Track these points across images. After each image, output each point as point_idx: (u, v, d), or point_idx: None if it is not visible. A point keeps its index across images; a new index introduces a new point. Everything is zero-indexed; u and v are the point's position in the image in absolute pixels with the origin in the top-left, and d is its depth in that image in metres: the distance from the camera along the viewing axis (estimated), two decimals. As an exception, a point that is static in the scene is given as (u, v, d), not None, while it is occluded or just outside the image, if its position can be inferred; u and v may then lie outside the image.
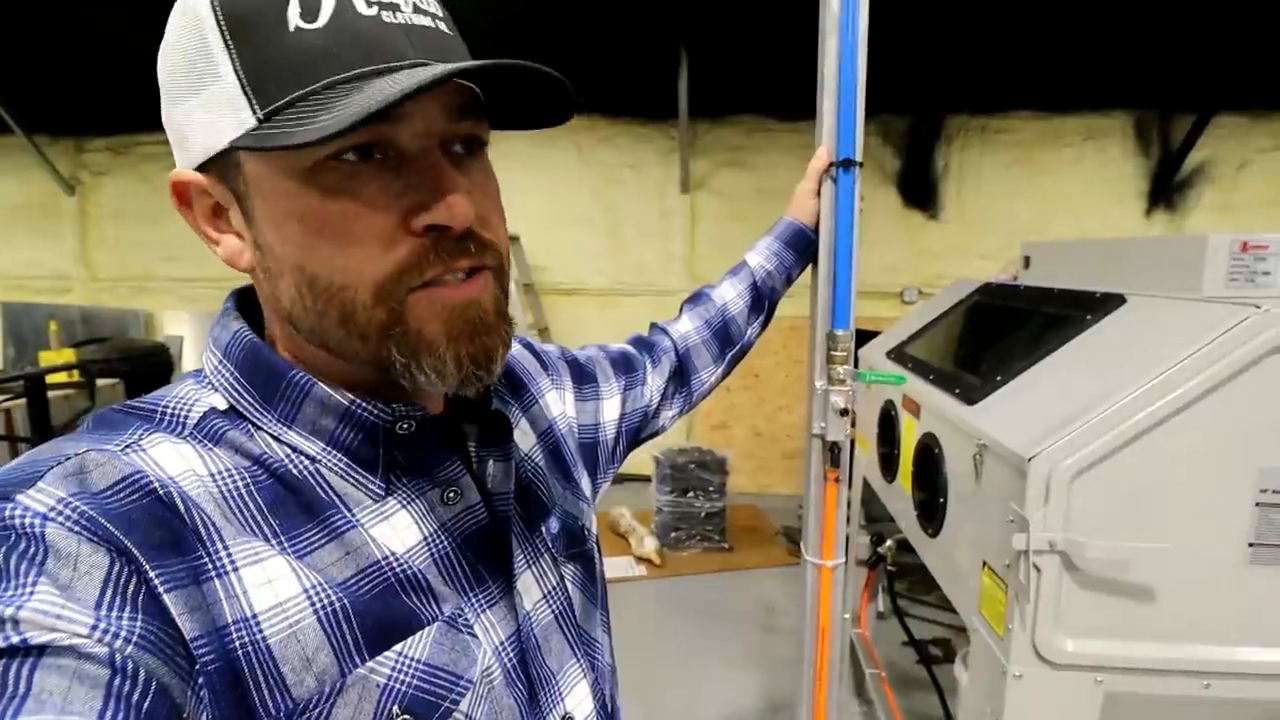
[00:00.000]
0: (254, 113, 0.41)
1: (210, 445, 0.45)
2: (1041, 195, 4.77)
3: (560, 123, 0.50)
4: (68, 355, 4.41)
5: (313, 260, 0.44)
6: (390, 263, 0.44)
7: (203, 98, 0.43)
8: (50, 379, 3.70)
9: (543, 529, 0.60)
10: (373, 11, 0.42)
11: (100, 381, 4.19)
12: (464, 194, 0.44)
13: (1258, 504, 1.07)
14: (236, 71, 0.41)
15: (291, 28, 0.41)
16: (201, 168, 0.45)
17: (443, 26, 0.45)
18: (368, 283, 0.44)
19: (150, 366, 4.67)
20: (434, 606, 0.48)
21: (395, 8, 0.42)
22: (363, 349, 0.46)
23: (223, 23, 0.41)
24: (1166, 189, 4.66)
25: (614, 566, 3.71)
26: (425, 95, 0.40)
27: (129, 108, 5.02)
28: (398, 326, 0.45)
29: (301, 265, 0.44)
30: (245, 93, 0.41)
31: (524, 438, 0.64)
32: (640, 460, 3.67)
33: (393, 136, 0.43)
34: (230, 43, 0.41)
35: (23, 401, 3.52)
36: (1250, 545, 1.07)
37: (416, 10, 0.44)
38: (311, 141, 0.38)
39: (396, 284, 0.44)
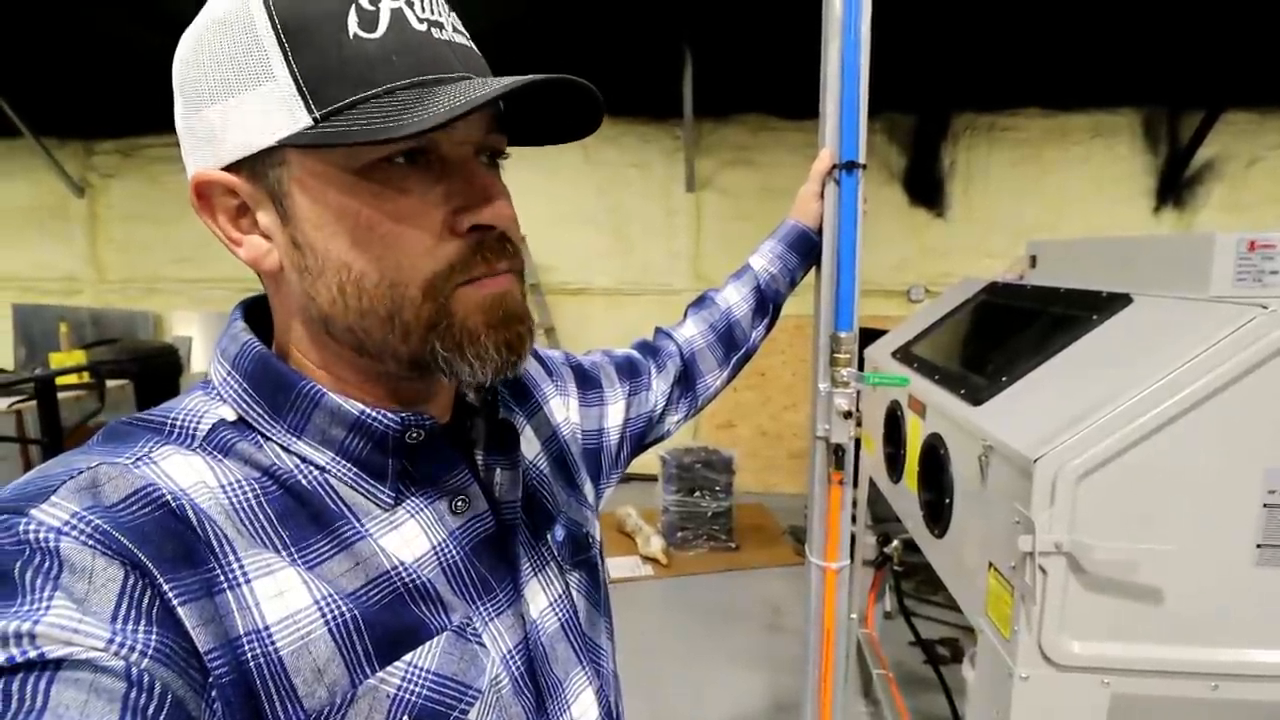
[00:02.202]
0: (310, 112, 0.42)
1: (220, 457, 0.46)
2: (1048, 193, 4.75)
3: (580, 138, 0.52)
4: (78, 357, 4.43)
5: (362, 258, 0.45)
6: (441, 261, 0.46)
7: (249, 97, 0.44)
8: (60, 380, 3.72)
9: (548, 537, 0.60)
10: (423, 28, 0.45)
11: (110, 383, 4.21)
12: (506, 198, 0.48)
13: (1265, 505, 1.06)
14: (293, 73, 0.42)
15: (351, 35, 0.43)
16: (230, 168, 0.46)
17: (474, 47, 0.49)
18: (419, 280, 0.46)
19: (160, 367, 4.69)
20: (443, 616, 0.48)
21: (441, 26, 0.46)
22: (403, 346, 0.47)
23: (279, 26, 0.43)
24: (1175, 187, 4.63)
25: (620, 566, 3.72)
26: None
27: (138, 110, 5.06)
28: (443, 321, 0.47)
29: (349, 263, 0.45)
30: (301, 93, 0.42)
31: (529, 445, 0.65)
32: (647, 460, 3.67)
33: (437, 143, 0.46)
34: (286, 45, 0.43)
35: (33, 403, 3.55)
36: (1258, 546, 1.07)
37: (456, 30, 0.47)
38: (396, 137, 0.40)
39: (446, 281, 0.47)
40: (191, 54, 0.46)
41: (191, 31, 0.46)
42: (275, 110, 0.43)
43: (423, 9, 0.45)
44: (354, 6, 0.43)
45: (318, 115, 0.42)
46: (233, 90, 0.44)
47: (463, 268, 0.47)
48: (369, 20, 0.43)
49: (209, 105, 0.45)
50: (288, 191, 0.45)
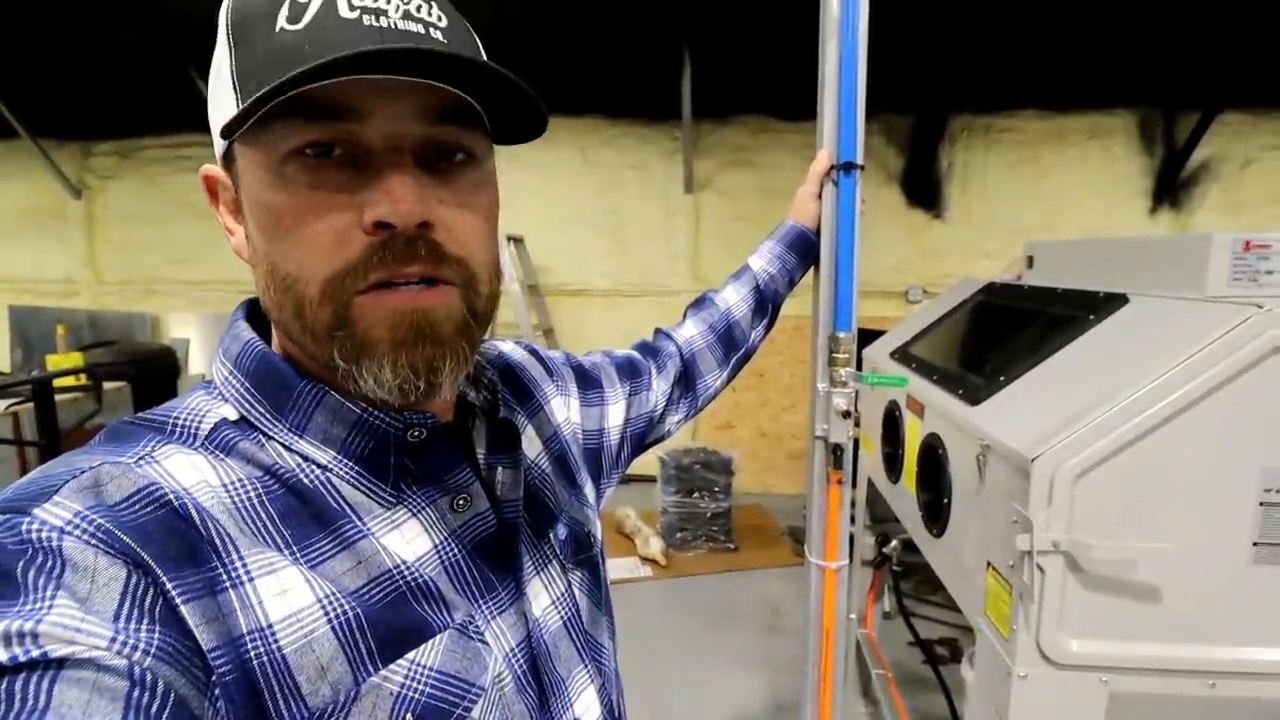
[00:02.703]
0: (238, 104, 0.43)
1: (222, 456, 0.46)
2: (1046, 194, 4.76)
3: (531, 138, 0.50)
4: (75, 359, 4.42)
5: (275, 251, 0.45)
6: (339, 261, 0.43)
7: (215, 95, 0.47)
8: (57, 382, 3.71)
9: (550, 535, 0.60)
10: (354, 15, 0.42)
11: (107, 385, 4.20)
12: (411, 191, 0.43)
13: (1262, 503, 1.07)
14: (232, 70, 0.44)
15: (277, 29, 0.43)
16: (224, 163, 0.49)
17: (435, 34, 0.45)
18: (317, 279, 0.44)
19: (157, 369, 4.68)
20: (445, 614, 0.48)
21: (380, 13, 0.43)
22: (315, 347, 0.46)
23: (230, 26, 0.45)
24: (1171, 187, 4.64)
25: (620, 567, 3.71)
26: (391, 94, 0.42)
27: (135, 111, 5.06)
28: (342, 329, 0.44)
29: (268, 255, 0.46)
30: (234, 89, 0.44)
31: (530, 444, 0.65)
32: (646, 461, 3.66)
33: (357, 134, 0.43)
34: (232, 45, 0.45)
35: (30, 405, 3.54)
36: (1255, 545, 1.07)
37: (406, 17, 0.44)
38: (232, 118, 0.40)
39: (341, 285, 0.44)
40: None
41: None
42: (225, 106, 0.45)
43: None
44: (286, 3, 0.43)
45: (241, 107, 0.42)
46: (214, 90, 0.47)
47: (361, 270, 0.43)
48: (297, 13, 0.42)
49: (211, 104, 0.48)
50: (239, 184, 0.47)
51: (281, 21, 0.42)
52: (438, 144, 0.46)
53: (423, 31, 0.44)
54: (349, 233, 0.43)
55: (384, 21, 0.43)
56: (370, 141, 0.43)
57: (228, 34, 0.45)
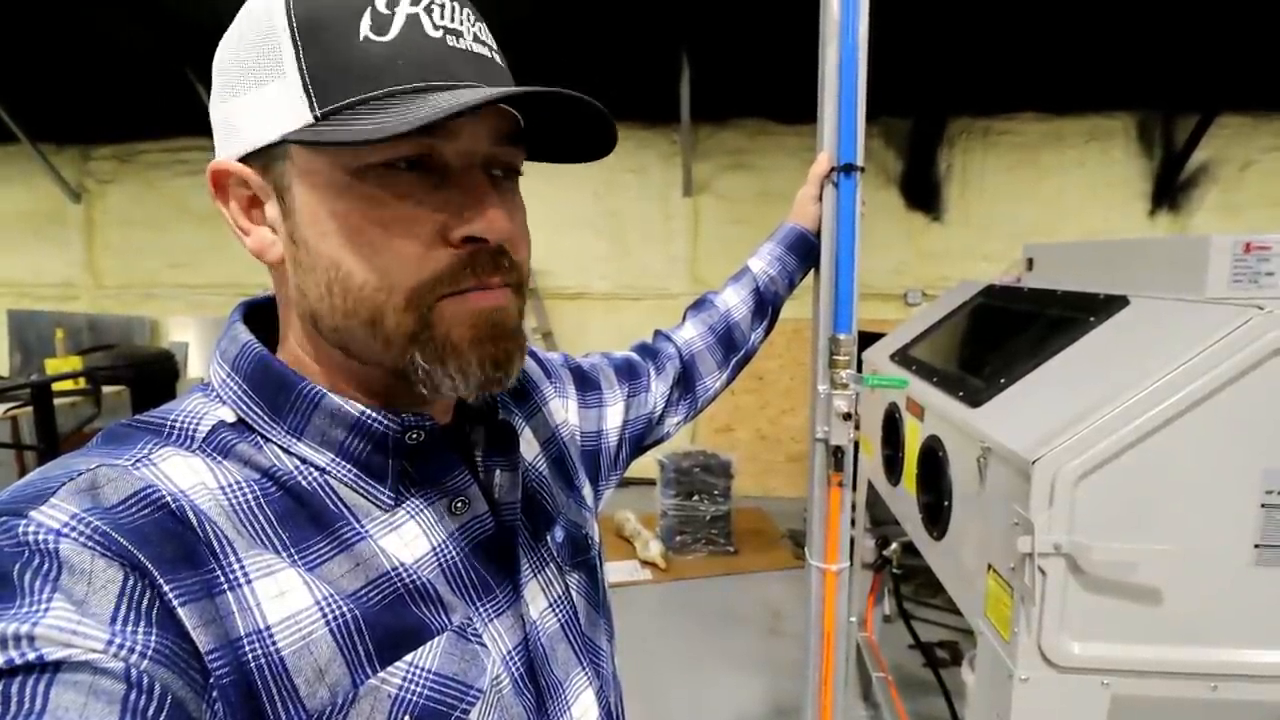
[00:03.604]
0: (312, 110, 0.43)
1: (220, 458, 0.45)
2: (1044, 197, 4.76)
3: (598, 157, 0.52)
4: (74, 363, 4.42)
5: (349, 259, 0.45)
6: (427, 271, 0.45)
7: (263, 91, 0.45)
8: (56, 386, 3.71)
9: (548, 538, 0.60)
10: (439, 35, 0.44)
11: (106, 389, 4.20)
12: (501, 210, 0.46)
13: (1263, 505, 1.06)
14: (301, 70, 0.43)
15: (361, 37, 0.43)
16: (246, 159, 0.47)
17: (497, 59, 0.48)
18: (402, 288, 0.45)
19: (156, 373, 4.68)
20: (443, 616, 0.48)
21: (459, 35, 0.45)
22: (384, 353, 0.47)
23: (295, 24, 0.43)
24: (1170, 190, 4.65)
25: (619, 570, 3.71)
26: (476, 116, 0.44)
27: (134, 115, 5.06)
28: (425, 332, 0.46)
29: (338, 263, 0.45)
30: (307, 91, 0.43)
31: (528, 446, 0.65)
32: (645, 464, 3.65)
33: (440, 151, 0.45)
34: (299, 43, 0.43)
35: (29, 409, 3.54)
36: (1256, 547, 1.07)
37: (476, 40, 0.47)
38: (374, 140, 0.40)
39: (430, 292, 0.46)
40: (224, 46, 0.47)
41: (232, 26, 0.47)
42: (284, 106, 0.44)
43: (441, 16, 0.45)
44: (369, 9, 0.43)
45: (319, 113, 0.43)
46: (250, 84, 0.45)
47: (450, 279, 0.46)
48: (382, 24, 0.43)
49: (234, 97, 0.46)
50: (289, 186, 0.46)
51: (366, 30, 0.43)
52: (496, 160, 0.48)
53: (489, 56, 0.47)
54: (434, 244, 0.45)
55: (462, 44, 0.45)
56: (447, 157, 0.46)
57: (291, 29, 0.43)
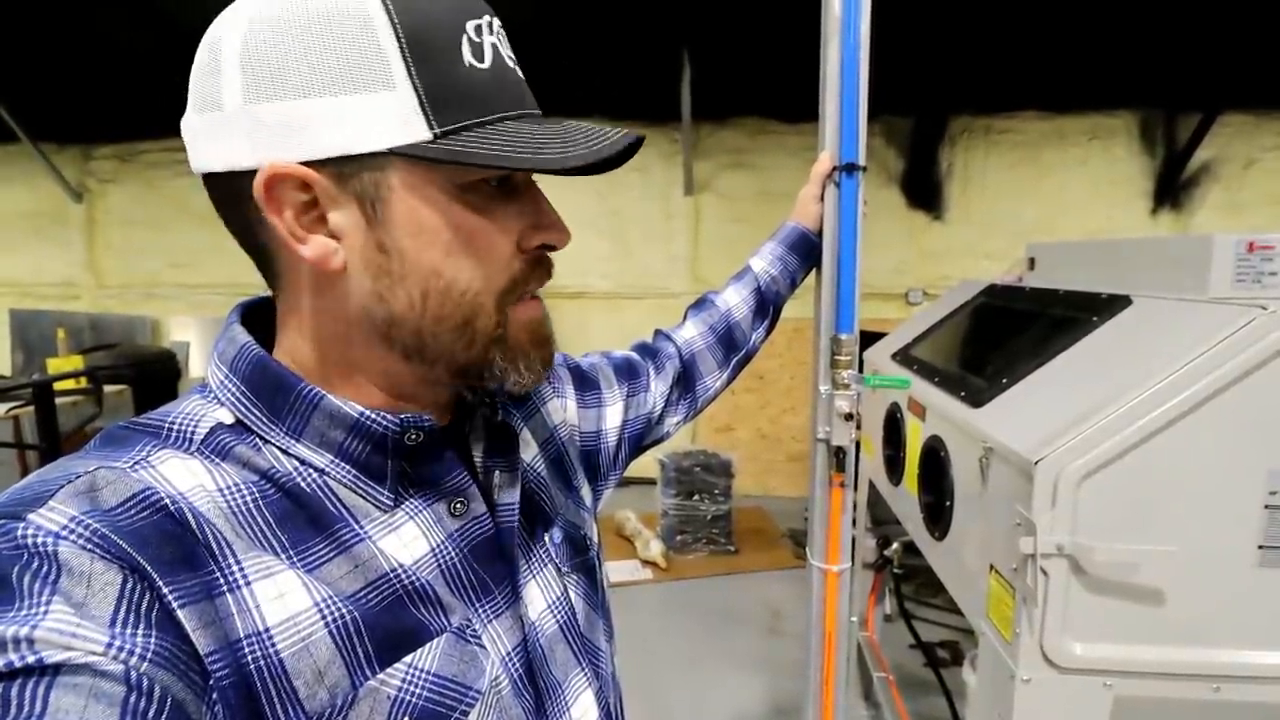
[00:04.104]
0: (430, 127, 0.44)
1: (218, 460, 0.45)
2: (1046, 195, 4.76)
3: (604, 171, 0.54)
4: (75, 362, 4.43)
5: (453, 268, 0.47)
6: (506, 276, 0.50)
7: (360, 99, 0.43)
8: (58, 386, 3.71)
9: (546, 539, 0.60)
10: (512, 65, 0.49)
11: (108, 388, 4.21)
12: (561, 219, 0.52)
13: (1267, 506, 1.06)
14: (415, 86, 0.44)
15: (465, 64, 0.45)
16: (309, 163, 0.44)
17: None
18: (494, 291, 0.49)
19: (158, 373, 4.69)
20: (442, 618, 0.48)
21: (515, 62, 0.50)
22: (466, 352, 0.50)
23: (402, 38, 0.43)
24: (1172, 188, 4.64)
25: (620, 570, 3.71)
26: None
27: (136, 115, 5.06)
28: (501, 332, 0.50)
29: (439, 271, 0.47)
30: (423, 107, 0.44)
31: (526, 446, 0.64)
32: (645, 463, 3.65)
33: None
34: (410, 58, 0.44)
35: (31, 409, 3.54)
36: (1260, 548, 1.07)
37: (514, 63, 0.51)
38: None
39: (509, 295, 0.50)
40: (276, 38, 0.43)
41: (270, 13, 0.43)
42: (391, 119, 0.44)
43: (505, 45, 0.49)
44: (465, 36, 0.45)
45: (437, 131, 0.44)
46: (338, 89, 0.43)
47: (522, 283, 0.51)
48: (477, 51, 0.46)
49: (297, 97, 0.43)
50: (384, 197, 0.45)
51: (468, 56, 0.46)
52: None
53: (523, 79, 0.51)
54: (512, 250, 0.50)
55: (518, 72, 0.50)
56: (519, 174, 0.50)
57: (400, 43, 0.43)
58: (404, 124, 0.44)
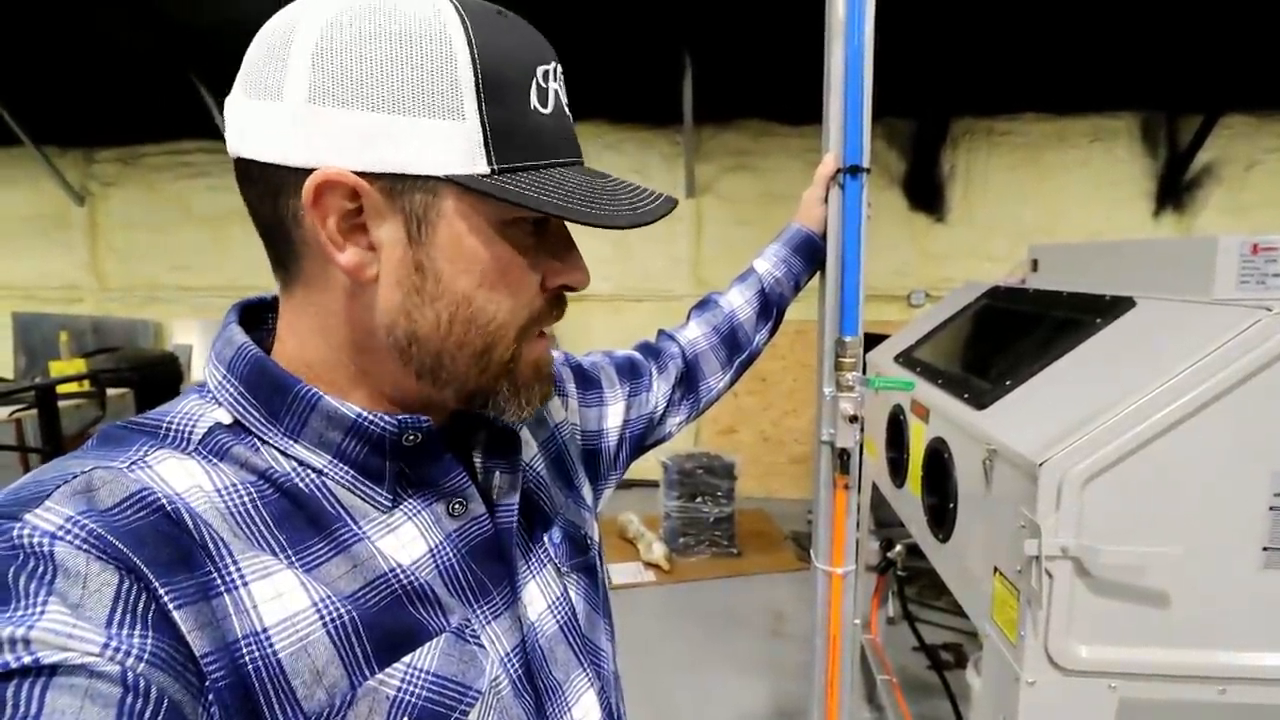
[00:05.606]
0: (489, 162, 0.45)
1: (216, 460, 0.45)
2: (1048, 197, 4.75)
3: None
4: (78, 365, 4.43)
5: (484, 297, 0.48)
6: (529, 312, 0.51)
7: (430, 124, 0.44)
8: (61, 389, 3.72)
9: (546, 539, 0.60)
10: (568, 113, 0.51)
11: (111, 391, 4.21)
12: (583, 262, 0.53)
13: (1272, 507, 1.06)
14: (483, 121, 0.45)
15: (531, 106, 0.47)
16: (364, 174, 0.44)
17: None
18: (515, 325, 0.50)
19: (160, 375, 4.69)
20: (441, 618, 0.48)
21: (569, 107, 0.52)
22: (479, 379, 0.51)
23: (480, 74, 0.44)
24: (1174, 190, 4.64)
25: (622, 572, 3.70)
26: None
27: (138, 119, 5.08)
28: (514, 364, 0.52)
29: (470, 298, 0.48)
30: (487, 142, 0.45)
31: (526, 446, 0.64)
32: (648, 465, 3.64)
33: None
34: (484, 93, 0.45)
35: (34, 411, 3.54)
36: (1265, 549, 1.06)
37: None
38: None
39: (528, 330, 0.52)
40: (356, 46, 0.42)
41: (353, 18, 0.43)
42: (456, 148, 0.44)
43: (564, 94, 0.50)
44: (534, 80, 0.47)
45: (495, 167, 0.45)
46: (410, 110, 0.43)
47: (541, 320, 0.52)
48: (543, 96, 0.48)
49: (366, 109, 0.43)
50: (432, 220, 0.46)
51: (534, 100, 0.47)
52: None
53: (573, 125, 0.53)
54: (537, 288, 0.51)
55: (570, 119, 0.52)
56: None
57: (477, 77, 0.44)
58: (466, 155, 0.44)
